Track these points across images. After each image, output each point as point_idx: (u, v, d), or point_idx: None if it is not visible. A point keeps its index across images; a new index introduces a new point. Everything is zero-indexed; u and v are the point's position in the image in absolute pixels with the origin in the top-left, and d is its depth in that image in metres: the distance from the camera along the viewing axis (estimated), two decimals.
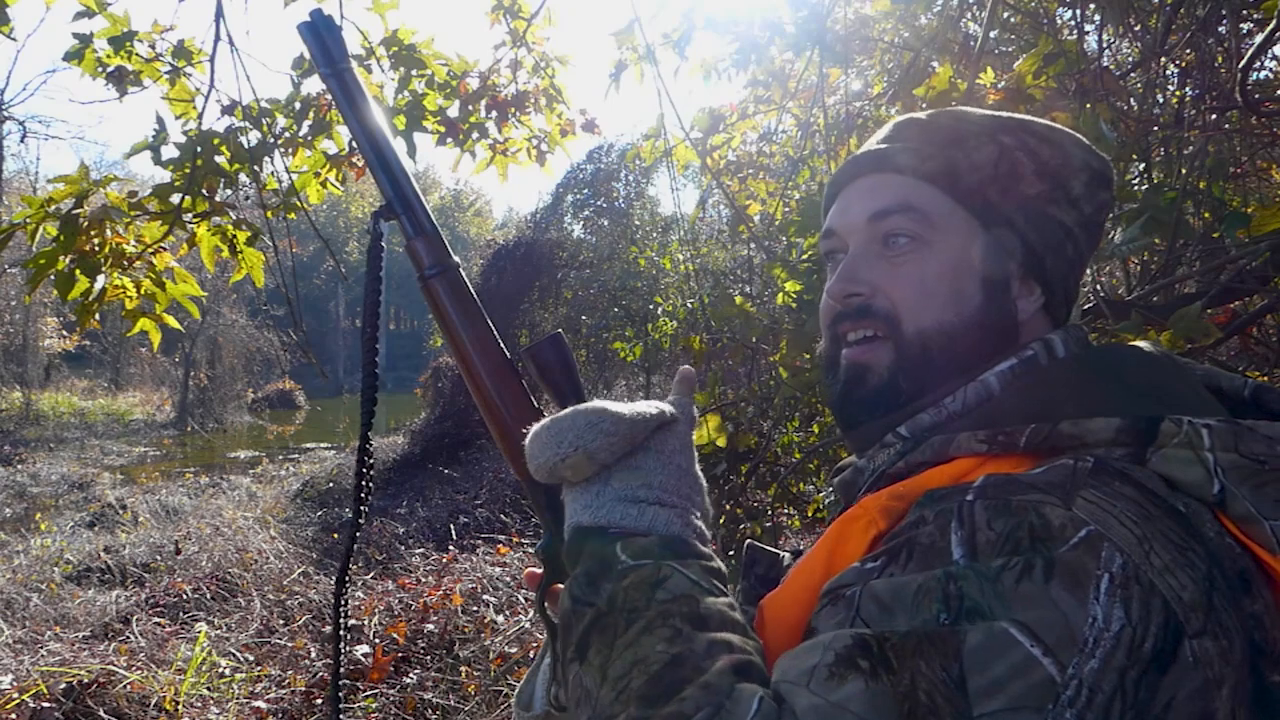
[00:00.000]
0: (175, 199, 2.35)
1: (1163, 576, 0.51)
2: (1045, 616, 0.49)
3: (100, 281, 2.26)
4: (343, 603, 0.89)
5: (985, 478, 0.59)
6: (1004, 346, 0.73)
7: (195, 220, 2.42)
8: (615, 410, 0.68)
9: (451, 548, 6.69)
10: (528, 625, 4.40)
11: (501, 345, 0.86)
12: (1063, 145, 0.76)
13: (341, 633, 0.89)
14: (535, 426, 0.70)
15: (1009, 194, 0.74)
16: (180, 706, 3.88)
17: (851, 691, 0.50)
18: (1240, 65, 1.58)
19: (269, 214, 2.51)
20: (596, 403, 0.70)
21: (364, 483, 0.84)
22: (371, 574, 6.07)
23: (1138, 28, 2.27)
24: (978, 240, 0.74)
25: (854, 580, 0.58)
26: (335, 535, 7.54)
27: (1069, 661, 0.48)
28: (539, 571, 0.90)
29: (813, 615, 0.60)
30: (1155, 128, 2.15)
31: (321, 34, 0.84)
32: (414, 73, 2.69)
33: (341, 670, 0.91)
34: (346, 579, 0.89)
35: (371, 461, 0.80)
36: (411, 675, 4.17)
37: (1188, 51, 2.28)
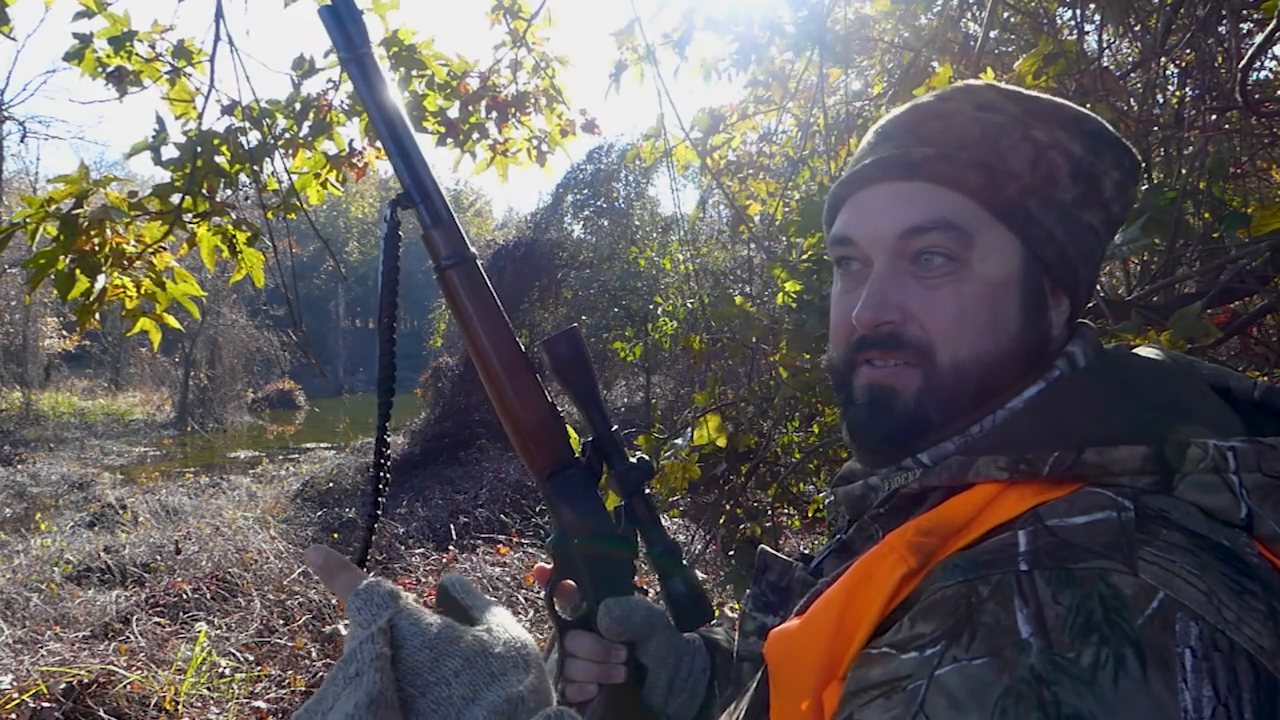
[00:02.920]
0: (175, 199, 2.36)
1: (1239, 630, 0.49)
2: None
3: (100, 281, 2.26)
4: None
5: (1031, 538, 0.55)
6: (1035, 366, 0.70)
7: (195, 220, 2.42)
8: None
9: (451, 548, 6.70)
10: (527, 626, 4.40)
11: (516, 338, 0.86)
12: (1095, 138, 0.71)
13: None
14: None
15: (1047, 202, 0.69)
16: (180, 706, 3.88)
17: None
18: (1240, 65, 1.58)
19: (269, 214, 2.51)
20: None
21: (382, 474, 0.82)
22: (371, 574, 6.06)
23: (1138, 28, 2.27)
24: (1017, 256, 0.69)
25: (914, 671, 0.52)
26: (335, 535, 7.54)
27: None
28: (549, 566, 0.90)
29: (851, 705, 0.54)
30: (1155, 128, 2.15)
31: (343, 18, 0.83)
32: (414, 73, 2.70)
33: None
34: (365, 568, 0.88)
35: (389, 453, 0.78)
36: None
37: (1188, 51, 2.28)
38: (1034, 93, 0.74)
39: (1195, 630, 0.49)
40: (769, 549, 0.81)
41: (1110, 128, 0.73)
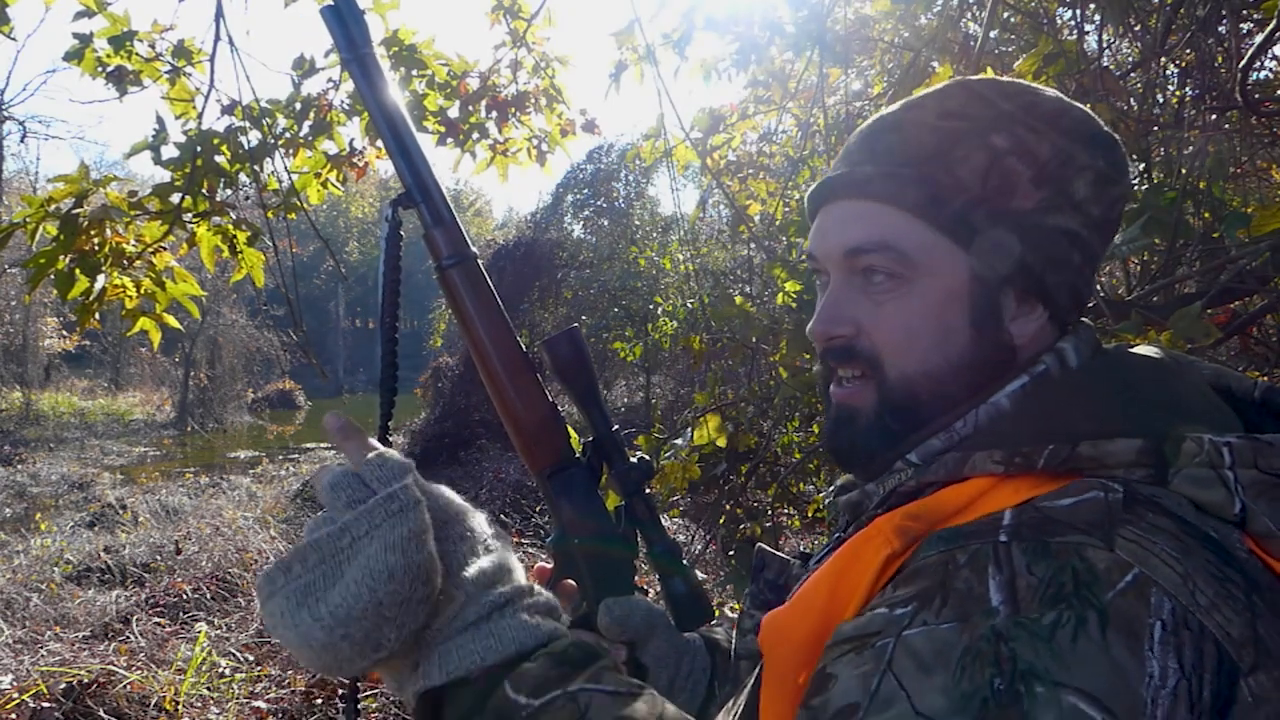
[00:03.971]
0: (175, 199, 2.36)
1: (1210, 615, 0.50)
2: (1109, 682, 0.47)
3: (100, 281, 2.26)
4: None
5: (1016, 514, 0.56)
6: (998, 376, 0.69)
7: (195, 220, 2.42)
8: (388, 570, 0.58)
9: None
10: None
11: (517, 337, 0.87)
12: (1070, 135, 0.69)
13: None
14: (350, 609, 0.58)
15: (999, 214, 0.68)
16: (180, 706, 3.88)
17: None
18: (1240, 65, 1.58)
19: (269, 214, 2.51)
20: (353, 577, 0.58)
21: None
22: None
23: (1138, 28, 2.27)
24: (963, 271, 0.68)
25: (883, 628, 0.54)
26: None
27: None
28: (549, 566, 0.90)
29: (826, 658, 0.56)
30: (1155, 128, 2.15)
31: (344, 18, 0.84)
32: (414, 73, 2.70)
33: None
34: None
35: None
36: None
37: (1188, 51, 2.28)
38: (1013, 90, 0.71)
39: (1169, 605, 0.49)
40: (766, 547, 0.81)
41: (1093, 121, 0.72)
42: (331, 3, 0.84)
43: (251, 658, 4.51)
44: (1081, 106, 0.73)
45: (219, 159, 2.40)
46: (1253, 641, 0.50)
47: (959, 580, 0.53)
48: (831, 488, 0.81)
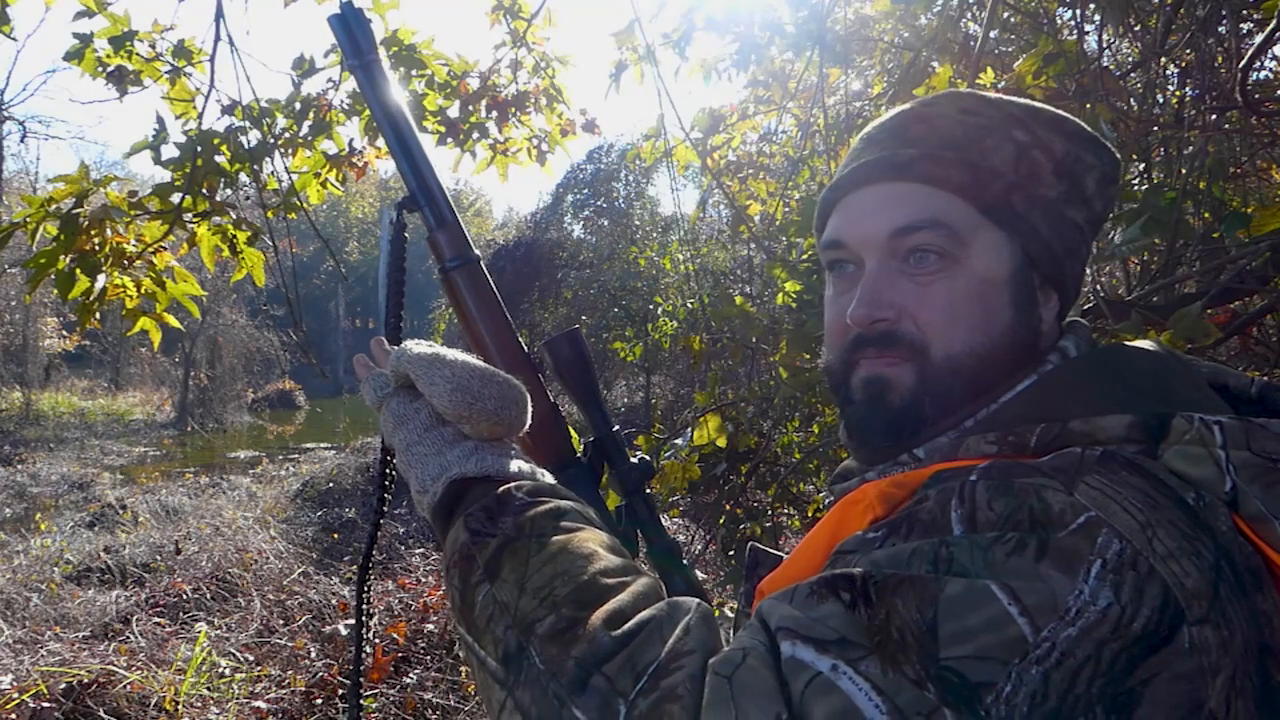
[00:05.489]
0: (175, 198, 2.35)
1: (1165, 563, 0.50)
2: (1030, 585, 0.49)
3: (100, 281, 2.26)
4: (365, 591, 0.90)
5: (992, 461, 0.59)
6: (1027, 360, 0.71)
7: (195, 220, 2.42)
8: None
9: None
10: None
11: (518, 338, 0.87)
12: (1074, 138, 0.73)
13: (364, 617, 0.90)
14: (489, 371, 0.75)
15: (1032, 199, 0.70)
16: (180, 706, 3.88)
17: (830, 610, 0.52)
18: (1240, 65, 1.58)
19: (269, 214, 2.51)
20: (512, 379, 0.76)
21: (387, 473, 0.84)
22: (372, 574, 6.05)
23: (1138, 28, 2.27)
24: (1005, 251, 0.70)
25: (856, 548, 0.57)
26: (335, 535, 7.54)
27: (1045, 625, 0.48)
28: None
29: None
30: (1155, 128, 2.15)
31: (350, 25, 0.86)
32: (414, 73, 2.69)
33: (361, 665, 0.91)
34: (370, 564, 0.89)
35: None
36: (411, 675, 4.17)
37: (1188, 51, 2.28)
38: (1010, 98, 0.75)
39: (1116, 547, 0.50)
40: (760, 545, 0.82)
41: (1089, 128, 0.75)
42: (338, 11, 0.85)
43: (251, 658, 4.51)
44: (1073, 117, 0.75)
45: (219, 159, 2.40)
46: (1208, 597, 0.50)
47: (924, 512, 0.56)
48: (830, 480, 0.82)
